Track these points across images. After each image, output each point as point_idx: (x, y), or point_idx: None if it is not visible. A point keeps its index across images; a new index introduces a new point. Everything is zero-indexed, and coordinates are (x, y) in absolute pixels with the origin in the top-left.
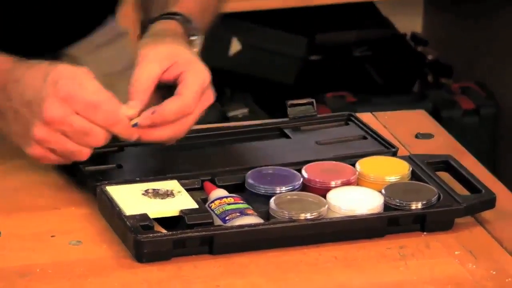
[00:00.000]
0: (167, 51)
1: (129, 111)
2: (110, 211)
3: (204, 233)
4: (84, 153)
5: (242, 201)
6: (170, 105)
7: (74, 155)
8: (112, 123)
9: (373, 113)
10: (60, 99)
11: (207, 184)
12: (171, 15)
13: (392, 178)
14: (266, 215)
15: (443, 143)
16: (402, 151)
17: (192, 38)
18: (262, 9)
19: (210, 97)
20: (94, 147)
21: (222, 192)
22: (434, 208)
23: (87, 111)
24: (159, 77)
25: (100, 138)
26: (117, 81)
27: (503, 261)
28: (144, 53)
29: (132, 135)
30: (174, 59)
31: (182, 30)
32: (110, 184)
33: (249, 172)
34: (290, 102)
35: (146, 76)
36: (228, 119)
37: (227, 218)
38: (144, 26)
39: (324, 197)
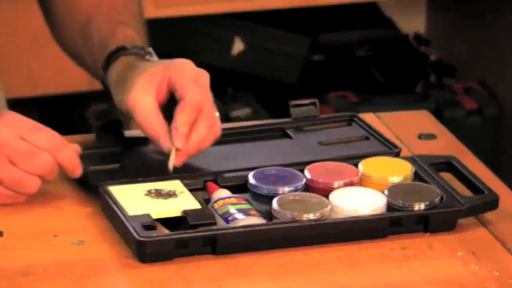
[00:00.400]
0: (142, 79)
1: (165, 146)
2: (112, 211)
3: (206, 233)
4: (32, 183)
5: (245, 202)
6: (181, 112)
7: (22, 184)
8: (56, 147)
9: (375, 113)
10: (5, 124)
11: (210, 185)
12: (115, 53)
13: (395, 179)
14: (269, 216)
15: (445, 143)
16: (405, 152)
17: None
18: (265, 9)
19: (204, 75)
20: (41, 175)
21: (225, 193)
22: (437, 209)
23: (31, 135)
24: (157, 104)
25: (46, 162)
26: None
27: (506, 262)
28: (133, 98)
29: (77, 169)
30: (152, 78)
31: (132, 58)
32: (113, 184)
33: (252, 172)
34: (293, 102)
35: (148, 112)
36: (230, 120)
37: (230, 218)
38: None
39: (327, 197)
